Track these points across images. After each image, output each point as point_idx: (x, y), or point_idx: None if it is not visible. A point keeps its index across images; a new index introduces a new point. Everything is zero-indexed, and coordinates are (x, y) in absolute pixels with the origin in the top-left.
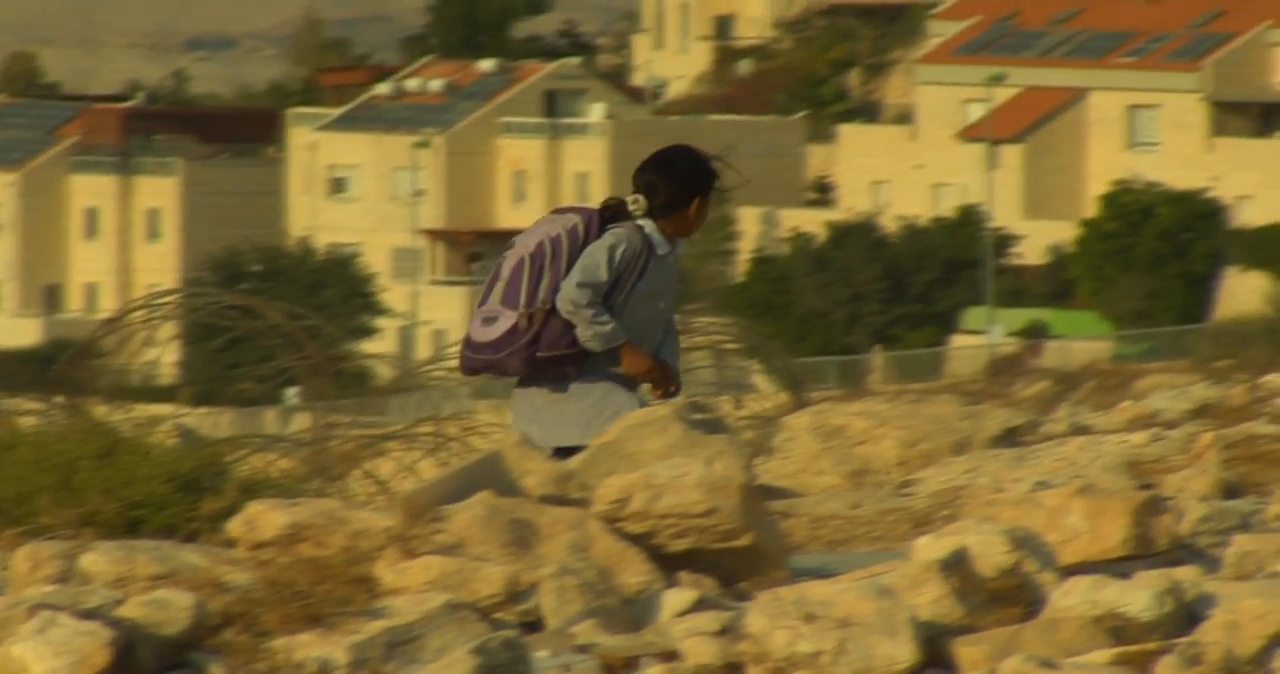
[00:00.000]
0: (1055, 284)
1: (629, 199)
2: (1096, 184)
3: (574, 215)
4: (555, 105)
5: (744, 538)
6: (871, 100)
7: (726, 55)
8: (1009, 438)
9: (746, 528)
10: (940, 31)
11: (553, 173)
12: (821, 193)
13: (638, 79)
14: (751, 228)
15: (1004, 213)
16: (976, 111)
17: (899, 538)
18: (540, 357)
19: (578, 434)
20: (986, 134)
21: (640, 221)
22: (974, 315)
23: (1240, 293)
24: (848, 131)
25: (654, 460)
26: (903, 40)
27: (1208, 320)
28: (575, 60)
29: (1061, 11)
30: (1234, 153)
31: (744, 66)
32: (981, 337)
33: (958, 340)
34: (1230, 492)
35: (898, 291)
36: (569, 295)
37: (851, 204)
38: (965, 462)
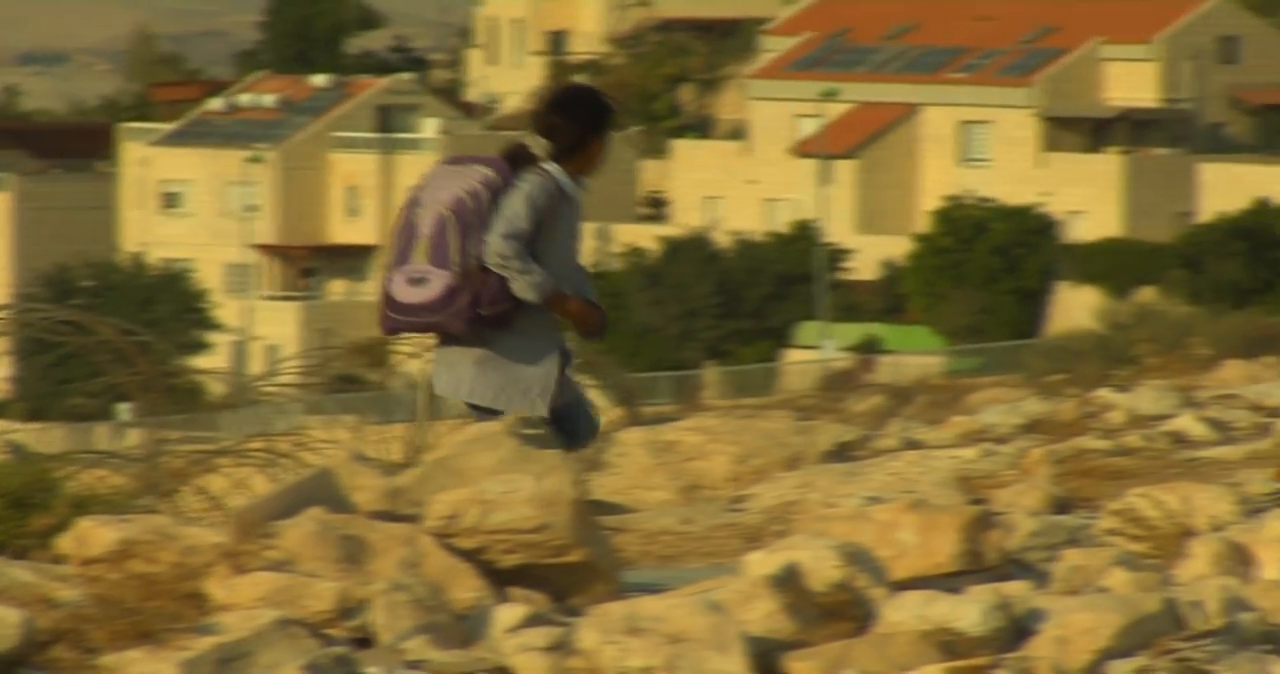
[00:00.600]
0: (888, 299)
1: (532, 143)
2: (929, 199)
3: (481, 166)
4: (388, 120)
5: (575, 554)
6: (705, 116)
7: (560, 70)
8: (841, 453)
9: (578, 544)
10: (773, 47)
11: (386, 188)
12: (655, 208)
13: (471, 94)
14: (586, 243)
15: (837, 228)
16: (809, 127)
17: (730, 553)
18: (484, 315)
19: (491, 397)
20: (819, 149)
21: (546, 165)
22: (807, 330)
23: (1072, 308)
24: (681, 147)
25: (486, 476)
26: (736, 56)
27: (1040, 335)
28: (408, 76)
29: (894, 27)
30: (1065, 168)
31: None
32: (815, 352)
33: (791, 356)
34: (1060, 506)
35: (731, 307)
36: (496, 248)
37: (685, 219)
38: (797, 477)
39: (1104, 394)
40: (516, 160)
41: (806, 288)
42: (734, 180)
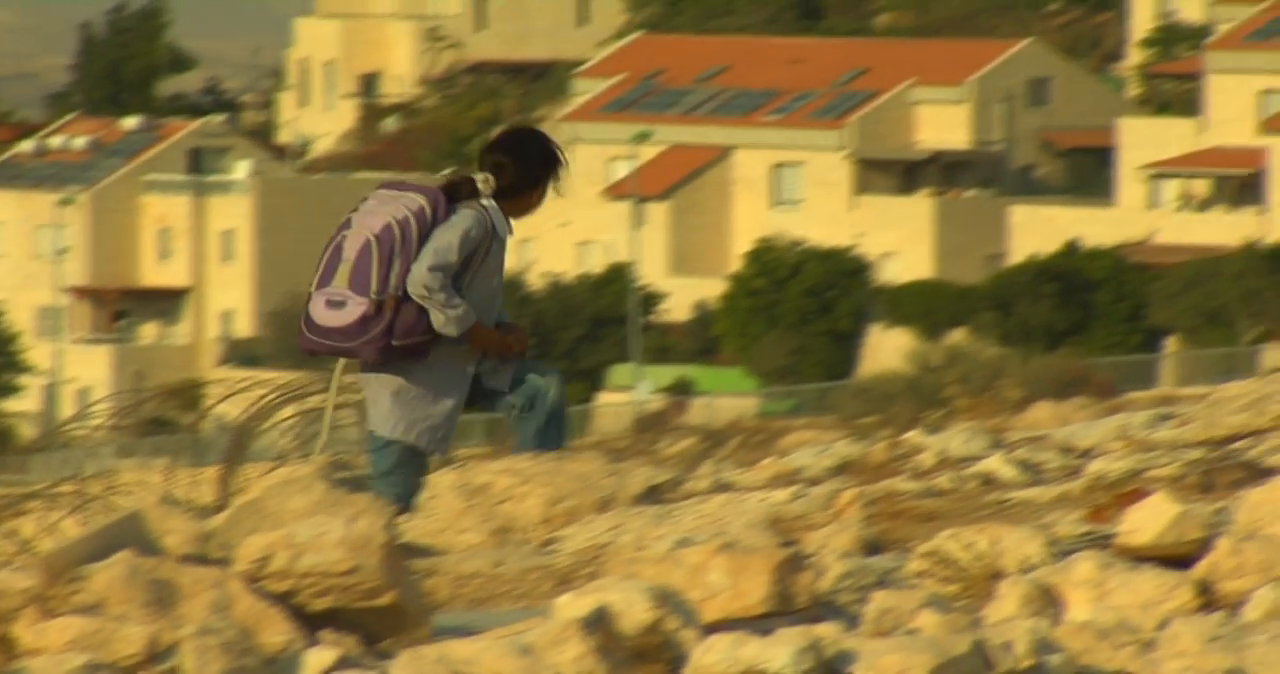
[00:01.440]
0: (701, 341)
1: (479, 177)
2: (742, 241)
3: (417, 195)
4: (200, 163)
5: (386, 596)
6: None
7: (372, 113)
8: (653, 495)
9: (389, 586)
10: (586, 89)
11: (198, 230)
12: None
13: (283, 137)
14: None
15: (650, 270)
16: (622, 169)
17: (542, 596)
18: (396, 345)
19: (403, 431)
20: (632, 191)
21: (485, 201)
22: (620, 372)
23: (884, 350)
24: None
25: (297, 519)
26: (548, 98)
27: (852, 377)
28: (220, 118)
29: (706, 69)
30: (877, 210)
31: (390, 124)
32: (628, 393)
33: (605, 397)
34: (871, 548)
35: (544, 349)
36: (421, 280)
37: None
38: (609, 519)
39: (915, 436)
40: (455, 193)
41: (620, 330)
42: (547, 222)
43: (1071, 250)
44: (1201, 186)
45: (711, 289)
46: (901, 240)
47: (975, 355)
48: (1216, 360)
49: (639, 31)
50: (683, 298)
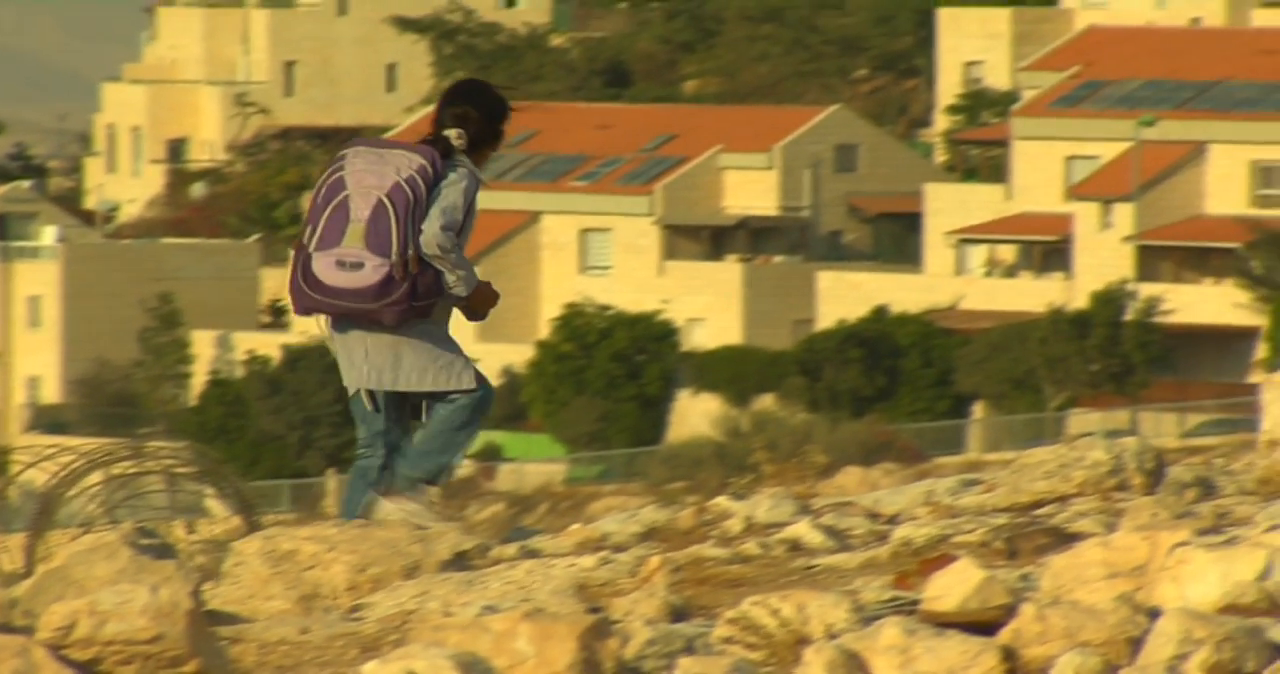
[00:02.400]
0: (509, 407)
1: (452, 135)
2: (550, 306)
3: (414, 155)
4: (6, 228)
5: (191, 664)
6: None
7: (180, 178)
8: (460, 562)
9: (194, 654)
10: None
11: (5, 296)
12: (276, 316)
13: (90, 202)
14: (206, 351)
15: (458, 335)
16: None
17: (348, 663)
18: (416, 306)
19: (417, 380)
20: None
21: (460, 156)
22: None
23: (692, 415)
24: None
25: (102, 586)
26: None
27: (660, 443)
28: (26, 183)
29: (514, 135)
30: (685, 276)
31: (197, 189)
32: None
33: None
34: (677, 615)
35: (351, 415)
36: (436, 240)
37: (306, 327)
38: (415, 586)
39: (722, 502)
40: (445, 151)
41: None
42: None
43: (879, 316)
44: (1008, 252)
45: (519, 355)
46: (709, 306)
47: (783, 421)
48: (1023, 426)
49: None
50: (491, 363)
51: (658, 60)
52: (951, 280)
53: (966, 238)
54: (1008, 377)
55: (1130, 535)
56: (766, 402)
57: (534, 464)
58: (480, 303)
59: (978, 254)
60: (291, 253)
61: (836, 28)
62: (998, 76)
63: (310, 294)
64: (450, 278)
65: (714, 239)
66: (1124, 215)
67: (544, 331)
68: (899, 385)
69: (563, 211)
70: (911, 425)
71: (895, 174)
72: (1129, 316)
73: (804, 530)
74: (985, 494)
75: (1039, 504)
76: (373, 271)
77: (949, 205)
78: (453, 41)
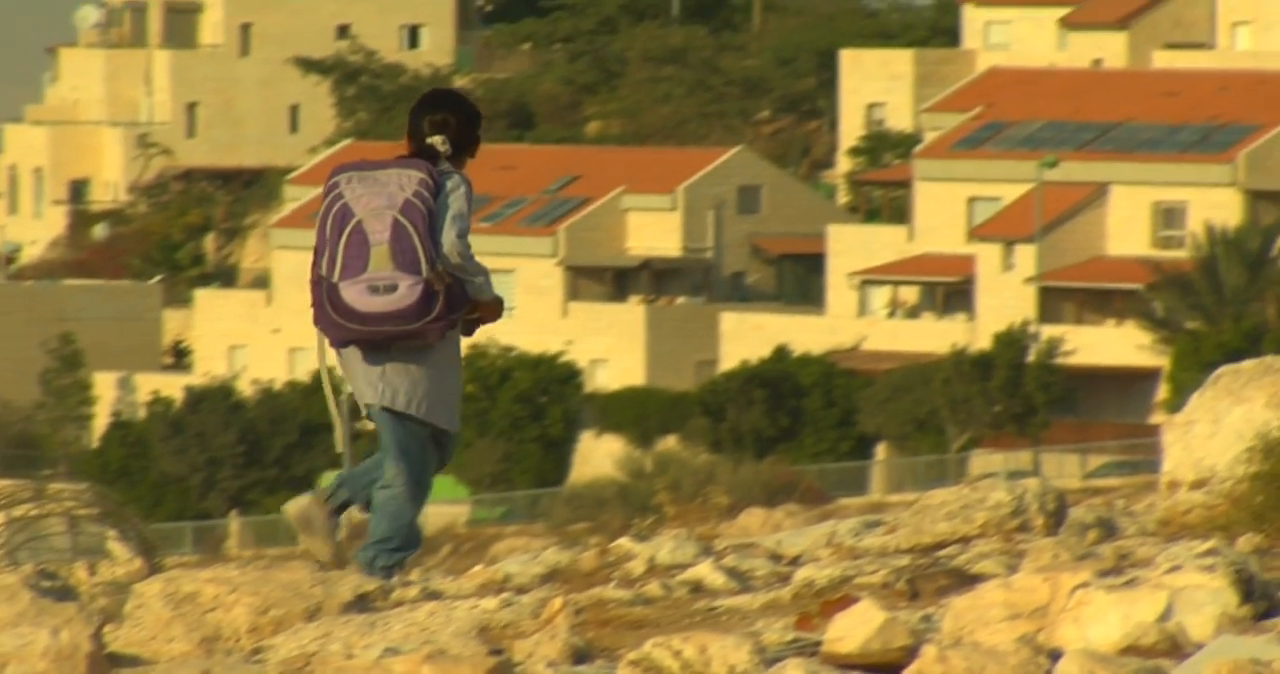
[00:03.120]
0: None
1: (437, 141)
2: None
3: (413, 170)
4: None
5: None
6: (228, 265)
7: (82, 219)
8: (362, 604)
9: None
10: (297, 196)
11: None
12: (178, 358)
13: None
14: (108, 393)
15: None
16: None
17: None
18: (452, 319)
19: (426, 410)
20: None
21: (445, 163)
22: (330, 480)
23: (595, 456)
24: (204, 296)
25: (2, 629)
26: (260, 204)
27: (564, 484)
28: None
29: None
30: (589, 317)
31: (100, 230)
32: None
33: None
34: (580, 656)
35: (255, 456)
36: (457, 249)
37: (208, 368)
38: (317, 628)
39: (624, 543)
40: (434, 160)
41: (329, 437)
42: (258, 329)
43: (782, 356)
44: (911, 293)
45: None
46: (613, 347)
47: (686, 462)
48: (926, 467)
49: (349, 139)
50: None
51: (561, 101)
52: (854, 321)
53: (869, 279)
54: (910, 417)
55: (1031, 577)
56: (670, 443)
57: (437, 506)
58: (492, 314)
59: (880, 295)
60: (309, 286)
61: (739, 69)
62: (900, 118)
63: (347, 325)
64: (473, 285)
65: (617, 280)
66: (1026, 256)
67: None
68: (802, 426)
69: None
70: (814, 466)
71: (798, 215)
72: (1031, 358)
73: (706, 572)
74: (887, 535)
75: (941, 545)
76: (408, 291)
77: (852, 246)
78: (355, 83)
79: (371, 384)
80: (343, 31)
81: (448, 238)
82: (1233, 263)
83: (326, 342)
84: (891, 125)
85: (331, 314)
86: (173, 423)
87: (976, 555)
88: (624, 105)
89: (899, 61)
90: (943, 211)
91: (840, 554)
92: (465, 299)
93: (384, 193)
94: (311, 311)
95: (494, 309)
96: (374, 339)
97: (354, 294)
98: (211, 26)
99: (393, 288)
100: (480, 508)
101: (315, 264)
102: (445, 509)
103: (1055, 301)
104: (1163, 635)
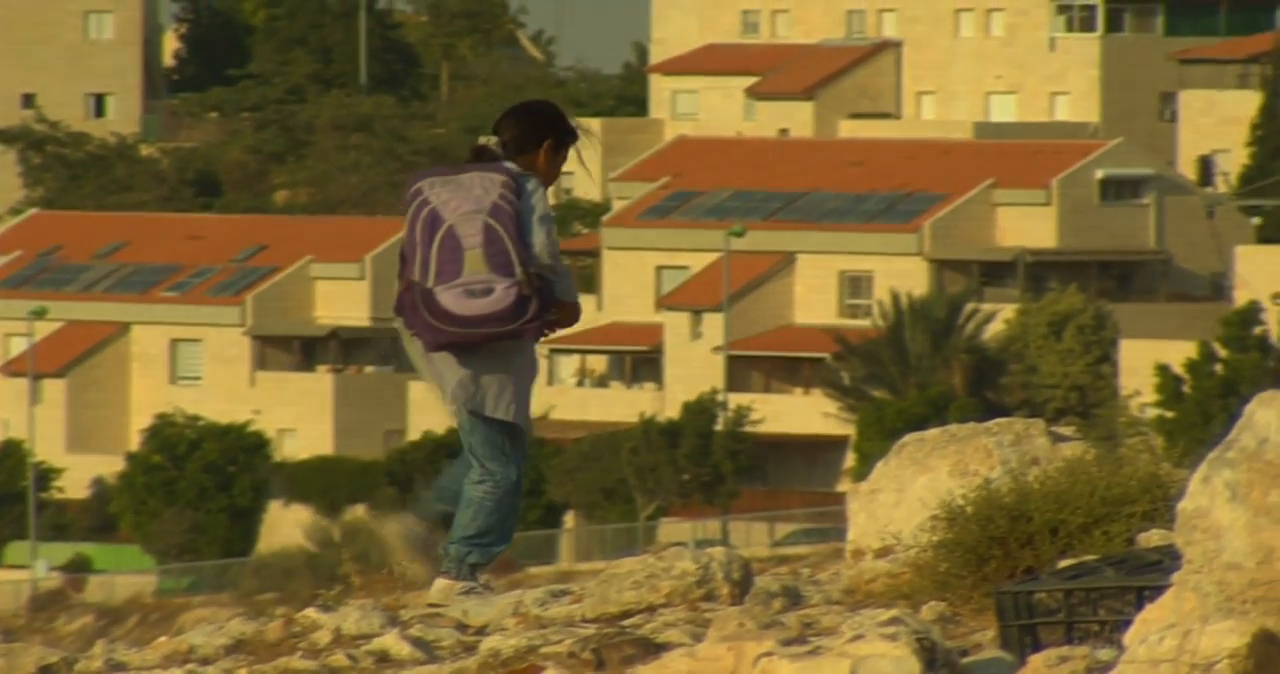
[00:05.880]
0: (99, 518)
1: (490, 142)
2: (141, 417)
3: (491, 173)
4: None
5: None
6: None
7: None
8: None
9: None
10: None
11: None
12: None
13: None
14: None
15: (46, 447)
16: (19, 345)
17: None
18: (547, 320)
19: (513, 414)
20: (28, 368)
21: (510, 164)
22: (16, 550)
23: (283, 526)
24: None
25: None
26: None
27: (251, 554)
28: None
29: (105, 245)
30: (276, 386)
31: None
32: (25, 572)
33: (1, 575)
34: None
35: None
36: (549, 249)
37: None
38: None
39: (310, 613)
40: (495, 161)
41: (15, 507)
42: None
43: None
44: (599, 362)
45: (109, 466)
46: (300, 416)
47: (374, 531)
48: (614, 535)
49: (35, 207)
50: (80, 475)
51: (248, 170)
52: (543, 390)
53: (558, 348)
54: (599, 486)
55: (716, 646)
56: (358, 512)
57: (124, 576)
58: (569, 317)
59: (569, 364)
60: (399, 292)
61: (427, 138)
62: (588, 186)
63: (445, 328)
64: (560, 287)
65: (305, 349)
66: (714, 325)
67: (134, 443)
68: None
69: (153, 322)
70: None
71: None
72: (719, 426)
73: (392, 642)
74: (574, 605)
75: (627, 614)
76: (504, 294)
77: None
78: (41, 151)
79: (463, 387)
80: (28, 100)
81: (538, 238)
82: (918, 331)
83: (418, 344)
84: (579, 194)
85: (428, 318)
86: None
87: (662, 624)
88: (312, 174)
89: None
90: (631, 280)
91: (526, 623)
92: (553, 300)
93: (470, 197)
94: (402, 315)
95: (572, 312)
96: (471, 341)
97: (450, 298)
98: None
99: (489, 291)
100: (167, 578)
101: (405, 270)
102: (132, 579)
103: (743, 370)
104: None
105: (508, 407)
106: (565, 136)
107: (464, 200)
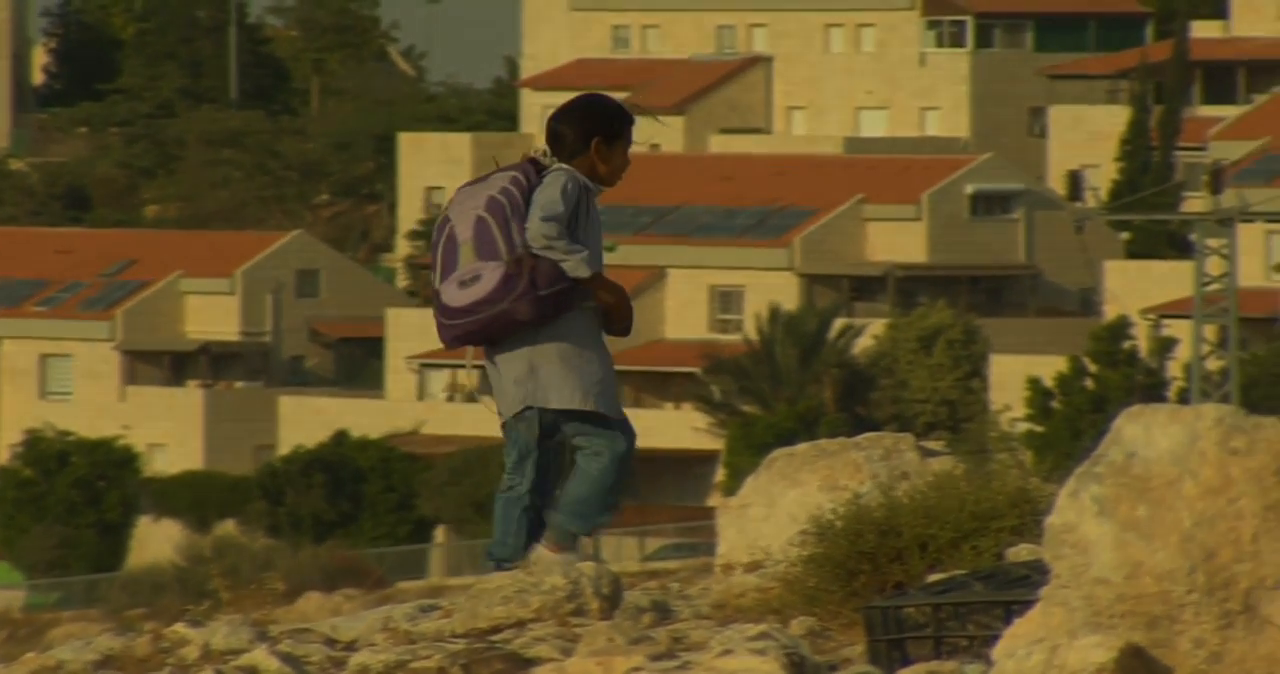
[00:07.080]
0: None
1: (540, 151)
2: (10, 433)
3: (508, 171)
4: None
5: None
6: None
7: None
8: None
9: None
10: None
11: None
12: None
13: None
14: None
15: None
16: None
17: None
18: (543, 295)
19: (580, 399)
20: None
21: (562, 165)
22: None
23: (153, 541)
24: None
25: None
26: None
27: (121, 569)
28: None
29: None
30: (146, 401)
31: None
32: None
33: None
34: None
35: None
36: (539, 230)
37: None
38: None
39: (179, 629)
40: (537, 164)
41: None
42: None
43: (340, 440)
44: (469, 377)
45: None
46: (170, 431)
47: (244, 546)
48: (484, 551)
49: None
50: None
51: (118, 185)
52: (413, 405)
53: (428, 363)
54: (470, 501)
55: (585, 661)
56: (228, 527)
57: None
58: (609, 294)
59: (439, 379)
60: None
61: (297, 153)
62: None
63: (447, 322)
64: (568, 263)
65: (175, 364)
66: None
67: (3, 457)
68: (361, 510)
69: (22, 337)
70: (373, 550)
71: (357, 299)
72: None
73: (260, 658)
74: (443, 620)
75: (497, 630)
76: (490, 277)
77: (410, 330)
78: None
79: (519, 385)
80: None
81: (531, 221)
82: (788, 346)
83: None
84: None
85: (438, 317)
86: None
87: (532, 639)
88: (182, 189)
89: (458, 145)
90: None
91: (396, 639)
92: (561, 277)
93: (478, 196)
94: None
95: (609, 290)
96: (469, 330)
97: (448, 292)
98: None
99: (477, 278)
100: (35, 594)
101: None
102: None
103: None
104: None
105: (571, 394)
106: (612, 127)
107: (470, 201)
